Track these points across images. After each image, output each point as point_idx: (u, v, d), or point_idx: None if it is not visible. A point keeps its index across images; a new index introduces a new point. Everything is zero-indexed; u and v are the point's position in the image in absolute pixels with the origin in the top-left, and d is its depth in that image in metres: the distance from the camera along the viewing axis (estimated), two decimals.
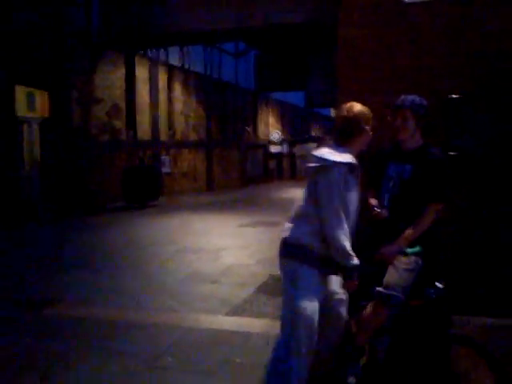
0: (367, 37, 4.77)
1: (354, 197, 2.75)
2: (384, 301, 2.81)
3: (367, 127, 2.80)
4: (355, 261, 2.66)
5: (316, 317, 2.71)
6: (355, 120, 2.77)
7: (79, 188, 14.16)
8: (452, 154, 4.29)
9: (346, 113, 2.81)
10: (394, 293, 2.78)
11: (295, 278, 2.73)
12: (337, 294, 2.88)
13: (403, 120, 2.98)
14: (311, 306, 2.70)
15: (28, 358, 3.82)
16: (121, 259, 7.62)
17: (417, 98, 3.01)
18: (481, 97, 4.48)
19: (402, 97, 3.04)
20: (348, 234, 2.69)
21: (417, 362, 2.78)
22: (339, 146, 2.78)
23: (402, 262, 2.84)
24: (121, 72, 16.89)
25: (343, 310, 2.92)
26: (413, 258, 2.83)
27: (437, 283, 2.83)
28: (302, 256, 2.72)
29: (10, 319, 4.75)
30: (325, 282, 2.82)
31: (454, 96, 4.49)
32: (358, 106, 2.82)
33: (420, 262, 2.84)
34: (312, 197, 2.72)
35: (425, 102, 3.02)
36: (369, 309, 2.90)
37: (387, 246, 2.88)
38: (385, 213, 2.96)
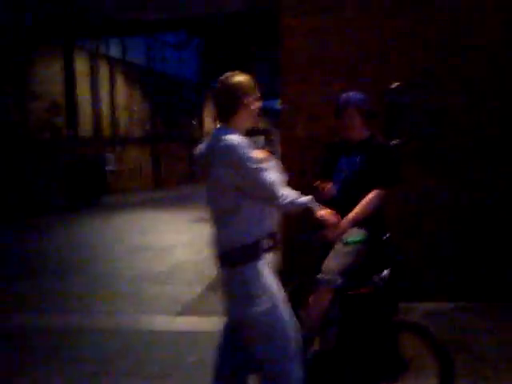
0: (308, 25, 4.78)
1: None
2: (324, 286, 2.81)
3: (249, 99, 2.30)
4: (304, 199, 2.30)
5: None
6: (232, 93, 2.25)
7: (19, 189, 13.50)
8: (394, 142, 4.38)
9: (220, 85, 2.27)
10: (332, 277, 2.79)
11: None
12: None
13: (350, 119, 3.00)
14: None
15: None
16: (66, 262, 7.30)
17: (357, 95, 3.03)
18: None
19: (344, 95, 3.04)
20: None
21: (365, 350, 2.81)
22: (225, 126, 2.27)
23: (342, 247, 2.85)
24: (59, 66, 16.18)
25: None
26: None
27: (384, 271, 2.83)
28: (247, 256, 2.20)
29: None
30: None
31: (393, 86, 4.59)
32: (234, 77, 2.30)
33: (361, 247, 2.85)
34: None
35: (367, 97, 3.05)
36: (313, 296, 2.91)
37: None
38: (333, 190, 2.90)
